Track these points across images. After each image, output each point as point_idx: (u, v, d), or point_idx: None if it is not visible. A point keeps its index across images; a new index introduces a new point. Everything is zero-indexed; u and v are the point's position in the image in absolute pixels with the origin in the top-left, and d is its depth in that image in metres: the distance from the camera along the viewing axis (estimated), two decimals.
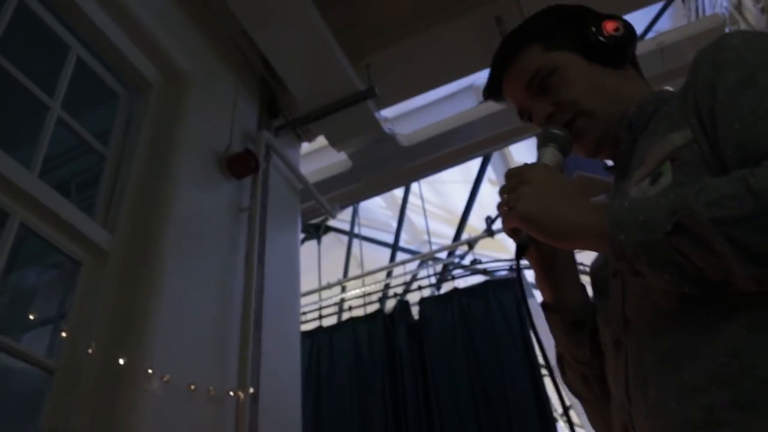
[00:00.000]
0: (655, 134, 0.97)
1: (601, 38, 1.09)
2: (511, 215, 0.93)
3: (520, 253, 0.99)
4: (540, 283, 1.11)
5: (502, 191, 0.98)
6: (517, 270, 1.06)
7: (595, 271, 1.09)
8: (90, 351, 1.90)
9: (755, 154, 0.78)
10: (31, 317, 2.00)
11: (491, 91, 1.22)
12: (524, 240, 0.97)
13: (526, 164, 1.01)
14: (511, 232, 0.97)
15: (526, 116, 1.17)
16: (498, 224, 4.75)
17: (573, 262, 1.11)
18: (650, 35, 3.78)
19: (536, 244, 1.00)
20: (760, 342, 0.76)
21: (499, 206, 0.97)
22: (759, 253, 0.71)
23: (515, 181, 0.96)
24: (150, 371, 1.93)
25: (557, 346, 1.15)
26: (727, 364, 0.76)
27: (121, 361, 1.92)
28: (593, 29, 1.10)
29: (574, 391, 1.17)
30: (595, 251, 0.95)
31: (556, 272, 1.09)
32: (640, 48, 3.48)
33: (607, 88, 1.09)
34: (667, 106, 1.01)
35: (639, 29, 4.51)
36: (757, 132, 0.79)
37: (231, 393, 2.27)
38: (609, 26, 1.10)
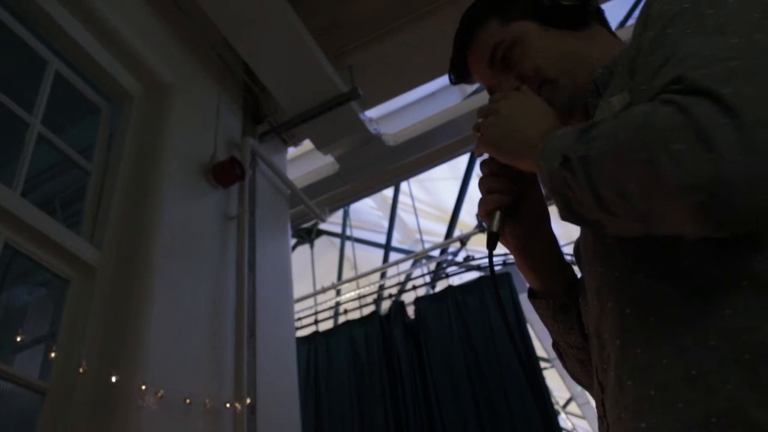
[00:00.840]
0: (606, 94, 0.92)
1: (556, 3, 1.04)
2: (479, 142, 0.95)
3: (491, 242, 0.97)
4: (521, 270, 1.08)
5: (478, 115, 0.98)
6: (490, 259, 1.01)
7: (576, 245, 1.05)
8: (81, 370, 1.87)
9: None
10: (21, 338, 1.97)
11: (457, 74, 1.18)
12: (495, 227, 0.96)
13: (503, 92, 1.00)
14: (484, 217, 0.96)
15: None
16: None
17: (553, 245, 1.07)
18: (630, 23, 3.78)
19: (511, 228, 1.00)
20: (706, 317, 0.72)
21: (474, 131, 0.98)
22: (607, 198, 0.70)
23: (487, 108, 0.96)
24: (144, 387, 1.91)
25: (551, 333, 1.12)
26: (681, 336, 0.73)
27: (114, 379, 1.89)
28: None
29: (575, 378, 1.14)
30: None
31: (535, 256, 1.05)
32: (623, 34, 3.49)
33: (570, 53, 1.03)
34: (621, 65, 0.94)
35: (618, 17, 4.52)
36: (652, 89, 0.74)
37: (228, 405, 2.25)
38: None
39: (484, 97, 3.77)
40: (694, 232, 0.67)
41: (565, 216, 0.78)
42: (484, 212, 0.98)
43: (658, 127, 0.65)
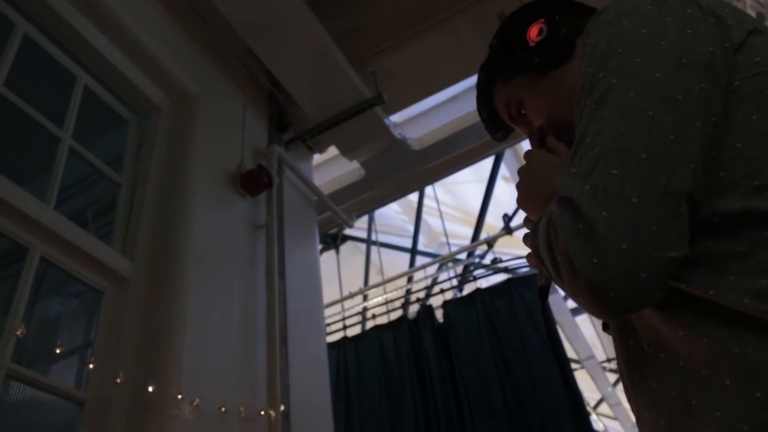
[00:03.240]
0: None
1: (530, 51, 1.04)
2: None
3: (543, 296, 0.99)
4: None
5: None
6: (543, 311, 1.04)
7: None
8: (118, 380, 1.89)
9: None
10: (59, 349, 2.00)
11: (500, 135, 1.20)
12: (542, 281, 0.98)
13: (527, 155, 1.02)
14: (534, 267, 0.98)
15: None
16: (516, 221, 4.71)
17: None
18: None
19: None
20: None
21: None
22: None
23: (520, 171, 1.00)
24: (179, 396, 1.92)
25: None
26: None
27: (150, 389, 1.91)
28: (520, 45, 1.05)
29: None
30: None
31: None
32: None
33: (568, 90, 0.98)
34: None
35: None
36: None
37: (262, 412, 2.25)
38: (532, 34, 1.04)
39: None
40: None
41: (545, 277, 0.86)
42: (534, 265, 0.98)
43: (552, 233, 0.72)
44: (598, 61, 0.79)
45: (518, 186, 0.98)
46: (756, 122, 0.72)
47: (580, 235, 0.68)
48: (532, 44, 1.04)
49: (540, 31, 1.03)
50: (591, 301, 0.68)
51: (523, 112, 1.09)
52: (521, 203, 0.98)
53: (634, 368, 0.81)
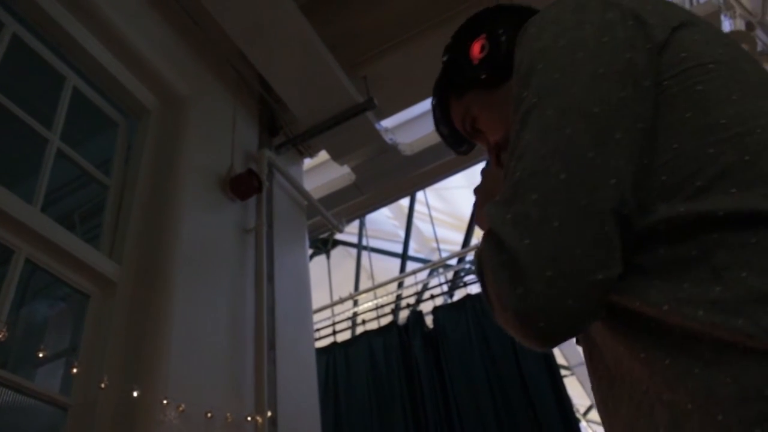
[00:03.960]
0: None
1: (475, 69, 1.02)
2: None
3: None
4: None
5: None
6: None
7: None
8: (103, 385, 1.87)
9: None
10: (43, 353, 1.98)
11: (464, 148, 1.19)
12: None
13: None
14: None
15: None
16: None
17: None
18: None
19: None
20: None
21: None
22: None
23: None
24: (165, 401, 1.90)
25: None
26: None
27: (135, 394, 1.89)
28: (465, 63, 1.03)
29: None
30: None
31: None
32: None
33: (507, 110, 0.99)
34: None
35: None
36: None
37: (249, 418, 2.24)
38: (475, 51, 1.03)
39: None
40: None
41: None
42: None
43: (480, 266, 0.72)
44: (523, 78, 0.77)
45: (474, 205, 0.98)
46: (690, 119, 0.69)
47: (504, 266, 0.66)
48: (475, 62, 1.02)
49: (482, 48, 1.02)
50: (521, 332, 0.66)
51: (474, 127, 1.07)
52: (477, 223, 0.96)
53: (606, 395, 0.79)
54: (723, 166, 0.65)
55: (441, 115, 1.13)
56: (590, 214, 0.65)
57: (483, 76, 1.01)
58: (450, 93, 1.09)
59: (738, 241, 0.61)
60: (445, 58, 1.10)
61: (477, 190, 0.99)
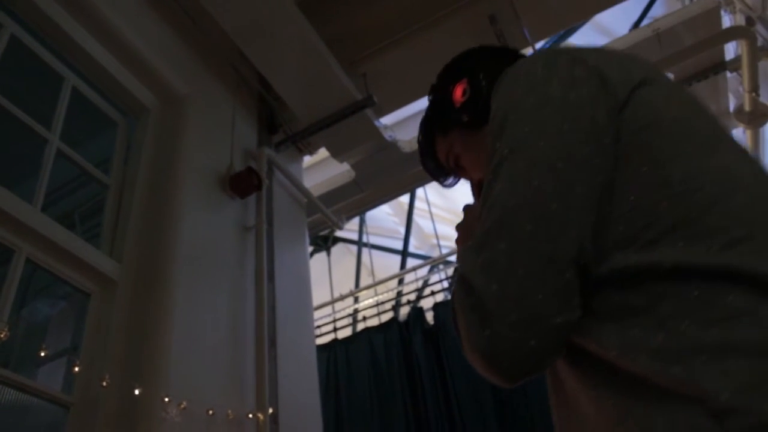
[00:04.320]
0: None
1: (457, 111, 1.07)
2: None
3: None
4: None
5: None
6: None
7: None
8: (104, 383, 1.88)
9: None
10: (45, 352, 1.99)
11: (450, 181, 1.23)
12: None
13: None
14: None
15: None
16: None
17: None
18: (645, 22, 3.75)
19: None
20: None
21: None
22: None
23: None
24: (167, 399, 1.91)
25: None
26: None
27: (137, 391, 1.90)
28: (448, 105, 1.09)
29: None
30: None
31: None
32: (637, 35, 3.45)
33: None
34: None
35: (633, 16, 4.49)
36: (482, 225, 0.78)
37: (250, 415, 2.25)
38: (457, 94, 1.08)
39: None
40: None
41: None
42: None
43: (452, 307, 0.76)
44: (496, 129, 0.82)
45: (456, 242, 1.03)
46: (645, 174, 0.74)
47: (473, 309, 0.71)
48: (457, 104, 1.07)
49: (464, 92, 1.07)
50: (487, 370, 0.71)
51: (458, 164, 1.13)
52: (458, 260, 1.00)
53: (563, 426, 0.85)
54: (673, 219, 0.70)
55: (426, 150, 1.18)
56: (552, 263, 0.70)
57: (465, 119, 1.06)
58: (435, 130, 1.14)
59: (682, 292, 0.65)
60: (430, 98, 1.16)
61: (459, 227, 1.02)
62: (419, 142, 1.19)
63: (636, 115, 0.78)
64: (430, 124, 1.16)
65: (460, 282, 0.75)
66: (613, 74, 0.81)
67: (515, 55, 1.12)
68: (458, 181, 1.22)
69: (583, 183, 0.73)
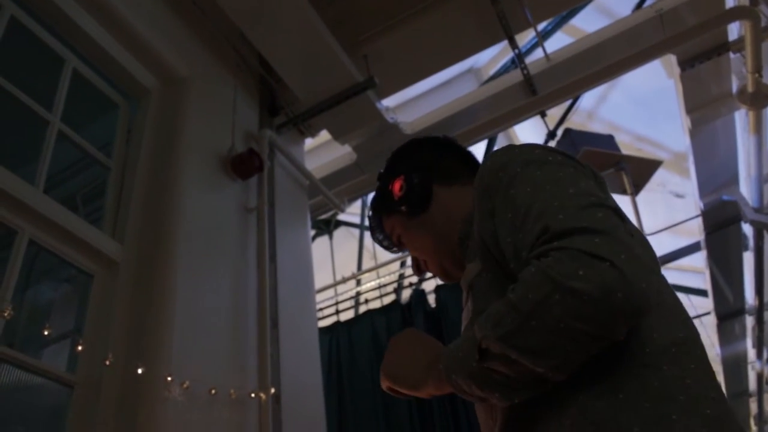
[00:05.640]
0: (467, 259, 1.12)
1: (395, 202, 1.23)
2: (381, 374, 1.11)
3: None
4: None
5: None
6: None
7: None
8: (108, 362, 1.89)
9: (523, 263, 0.88)
10: (49, 332, 2.00)
11: (396, 250, 1.35)
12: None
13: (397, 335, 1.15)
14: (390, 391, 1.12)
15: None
16: None
17: None
18: (648, 2, 3.72)
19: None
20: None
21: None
22: (540, 350, 0.80)
23: (389, 347, 1.13)
24: (169, 378, 1.93)
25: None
26: None
27: (140, 371, 1.92)
28: (389, 195, 1.25)
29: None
30: (448, 392, 1.03)
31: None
32: (639, 16, 3.43)
33: (424, 232, 1.22)
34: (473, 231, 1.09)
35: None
36: (519, 243, 0.89)
37: (252, 395, 2.27)
38: (395, 188, 1.24)
39: (498, 84, 3.76)
40: (627, 327, 0.80)
41: (510, 398, 0.88)
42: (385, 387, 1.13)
43: (554, 273, 0.78)
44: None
45: (388, 357, 1.11)
46: None
47: (612, 268, 0.78)
48: (395, 197, 1.23)
49: (401, 187, 1.23)
50: (623, 302, 0.76)
51: (400, 241, 1.27)
52: (391, 374, 1.09)
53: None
54: None
55: (376, 226, 1.32)
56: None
57: (402, 209, 1.22)
58: (381, 212, 1.29)
59: None
60: (378, 184, 1.31)
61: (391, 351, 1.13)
62: (369, 218, 1.33)
63: None
64: (377, 205, 1.30)
65: (576, 256, 0.79)
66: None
67: (458, 148, 1.29)
68: (405, 250, 1.34)
69: None
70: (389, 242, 1.32)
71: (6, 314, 1.68)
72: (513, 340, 0.81)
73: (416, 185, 1.22)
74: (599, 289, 0.76)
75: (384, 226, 1.30)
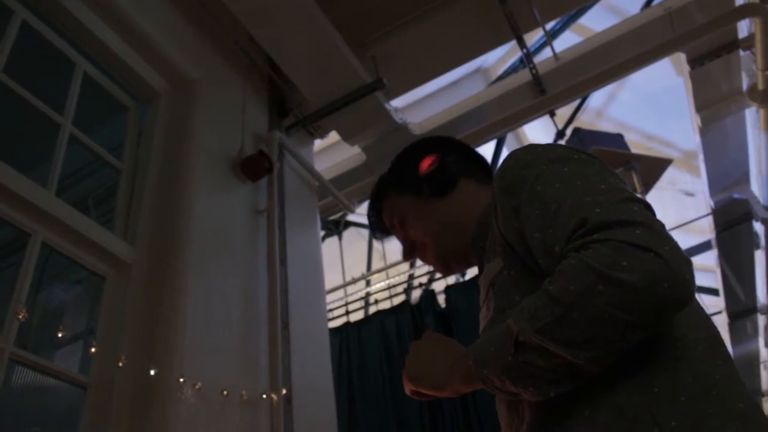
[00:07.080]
0: (485, 258, 1.10)
1: (419, 177, 1.23)
2: (404, 378, 1.09)
3: None
4: None
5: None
6: None
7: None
8: (120, 364, 1.91)
9: (555, 258, 0.87)
10: (62, 334, 2.02)
11: (379, 232, 1.35)
12: None
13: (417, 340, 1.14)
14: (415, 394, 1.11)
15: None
16: None
17: None
18: (657, 0, 3.71)
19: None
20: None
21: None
22: (581, 342, 0.80)
23: (410, 351, 1.12)
24: (182, 380, 1.94)
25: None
26: None
27: (152, 372, 1.93)
28: (412, 171, 1.25)
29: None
30: (475, 389, 1.01)
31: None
32: (648, 15, 3.41)
33: (436, 218, 1.21)
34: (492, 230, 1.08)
35: None
36: (550, 238, 0.88)
37: (264, 396, 2.27)
38: (424, 164, 1.24)
39: (507, 84, 3.75)
40: (670, 317, 0.81)
41: (546, 392, 0.86)
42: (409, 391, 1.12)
43: (597, 264, 0.79)
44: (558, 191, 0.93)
45: (410, 358, 1.09)
46: None
47: (657, 258, 0.78)
48: (422, 172, 1.24)
49: (431, 164, 1.24)
50: (668, 292, 0.77)
51: (401, 222, 1.26)
52: (415, 375, 1.07)
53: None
54: None
55: (375, 203, 1.32)
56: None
57: (424, 187, 1.22)
58: (391, 189, 1.29)
59: None
60: (395, 161, 1.32)
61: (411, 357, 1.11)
62: (372, 192, 1.33)
63: None
64: (388, 182, 1.30)
65: (619, 249, 0.80)
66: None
67: (476, 154, 1.30)
68: (388, 236, 1.34)
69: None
70: (380, 226, 1.33)
71: (20, 316, 1.69)
72: (553, 332, 0.81)
73: (449, 166, 1.23)
74: (645, 279, 0.76)
75: (386, 204, 1.30)
